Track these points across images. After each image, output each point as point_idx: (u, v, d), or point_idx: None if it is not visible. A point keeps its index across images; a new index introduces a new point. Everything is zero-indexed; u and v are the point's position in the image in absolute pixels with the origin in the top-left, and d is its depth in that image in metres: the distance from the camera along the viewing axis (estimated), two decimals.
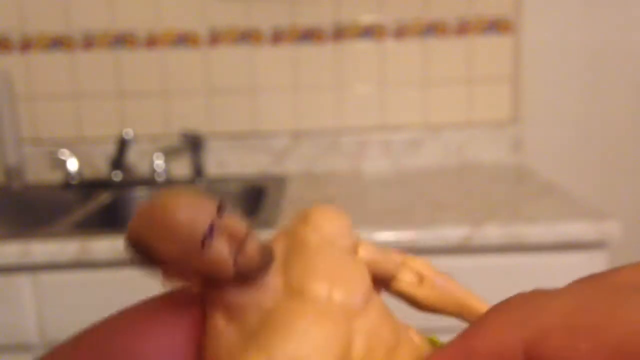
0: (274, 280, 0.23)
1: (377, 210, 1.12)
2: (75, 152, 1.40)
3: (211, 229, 0.21)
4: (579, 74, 1.44)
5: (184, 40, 1.41)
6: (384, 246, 0.26)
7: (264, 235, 1.01)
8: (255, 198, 1.33)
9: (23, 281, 1.02)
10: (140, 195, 1.36)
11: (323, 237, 0.24)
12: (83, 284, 1.01)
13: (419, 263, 0.26)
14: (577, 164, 1.47)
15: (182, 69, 1.42)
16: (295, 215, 0.26)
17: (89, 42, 1.41)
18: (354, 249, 0.25)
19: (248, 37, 1.41)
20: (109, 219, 1.28)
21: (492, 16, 1.41)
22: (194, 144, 1.38)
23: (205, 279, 0.22)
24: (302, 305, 0.22)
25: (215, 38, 1.41)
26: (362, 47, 1.42)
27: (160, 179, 1.38)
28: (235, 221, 0.22)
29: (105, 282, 1.01)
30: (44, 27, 1.40)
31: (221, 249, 0.21)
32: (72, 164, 1.37)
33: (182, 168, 1.43)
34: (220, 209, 0.22)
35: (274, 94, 1.44)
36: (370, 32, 1.42)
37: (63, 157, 1.38)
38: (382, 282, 0.26)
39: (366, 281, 0.24)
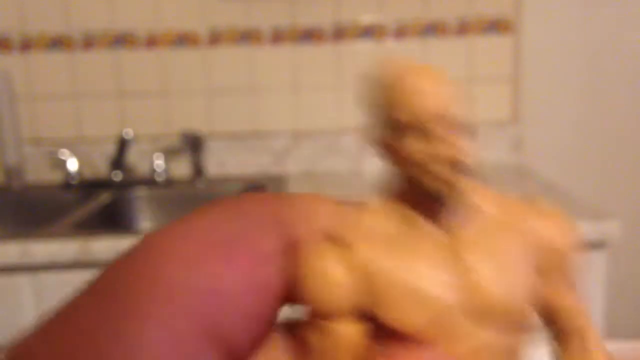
0: (446, 222, 0.20)
1: None
2: (75, 152, 1.40)
3: (433, 122, 0.19)
4: (579, 74, 1.44)
5: (184, 40, 1.41)
6: None
7: None
8: None
9: (23, 281, 1.02)
10: (140, 195, 1.36)
11: (538, 240, 0.21)
12: (83, 284, 1.01)
13: (600, 352, 0.21)
14: (577, 164, 1.47)
15: (182, 69, 1.42)
16: (538, 201, 0.22)
17: (89, 42, 1.41)
18: (552, 277, 0.21)
19: (248, 37, 1.41)
20: (109, 219, 1.28)
21: (492, 16, 1.41)
22: (194, 144, 1.38)
23: (391, 158, 0.20)
24: (437, 250, 0.20)
25: (215, 38, 1.41)
26: (362, 47, 1.42)
27: (160, 179, 1.38)
28: (463, 144, 0.19)
29: None
30: (44, 27, 1.40)
31: (427, 152, 0.19)
32: (72, 164, 1.37)
33: (182, 168, 1.43)
34: (462, 125, 0.20)
35: (274, 94, 1.44)
36: (370, 32, 1.42)
37: (63, 157, 1.38)
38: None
39: (526, 312, 0.20)
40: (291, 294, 0.19)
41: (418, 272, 0.19)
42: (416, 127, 0.19)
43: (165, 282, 0.17)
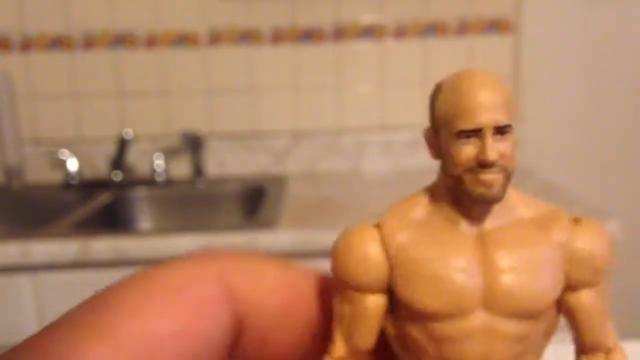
0: (479, 221, 0.21)
1: (377, 210, 1.11)
2: (75, 152, 1.40)
3: (476, 132, 0.20)
4: (579, 73, 1.44)
5: (184, 40, 1.41)
6: None
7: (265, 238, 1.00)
8: (255, 198, 1.33)
9: (23, 281, 1.02)
10: (140, 195, 1.36)
11: (572, 253, 0.21)
12: (83, 284, 1.01)
13: None
14: (577, 164, 1.47)
15: (182, 69, 1.42)
16: (581, 216, 0.22)
17: (89, 42, 1.41)
18: (582, 283, 0.21)
19: (248, 37, 1.41)
20: (109, 219, 1.28)
21: (492, 16, 1.41)
22: (194, 144, 1.38)
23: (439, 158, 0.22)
24: (466, 243, 0.21)
25: (215, 38, 1.41)
26: (362, 47, 1.42)
27: (160, 179, 1.38)
28: (501, 149, 0.21)
29: (105, 282, 1.00)
30: (44, 27, 1.40)
31: (464, 154, 0.21)
32: (72, 164, 1.37)
33: (182, 168, 1.43)
34: (503, 131, 0.21)
35: (274, 94, 1.44)
36: (370, 32, 1.42)
37: (63, 157, 1.38)
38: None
39: (547, 314, 0.21)
40: (238, 337, 0.21)
41: (443, 261, 0.21)
42: (469, 135, 0.21)
43: (111, 328, 0.19)
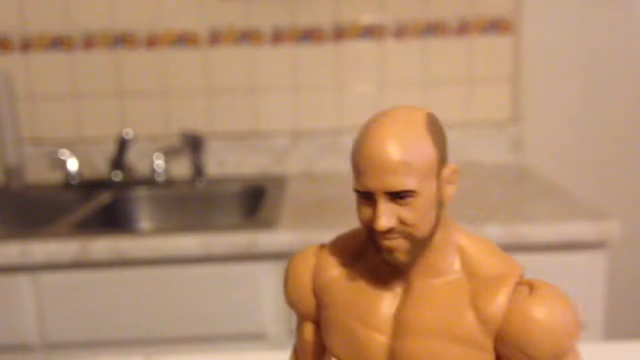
0: (402, 276, 0.21)
1: None
2: (75, 152, 1.40)
3: (378, 195, 0.19)
4: (579, 73, 1.44)
5: (184, 40, 1.41)
6: None
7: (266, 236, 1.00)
8: (255, 198, 1.33)
9: (23, 281, 1.02)
10: (140, 195, 1.36)
11: (511, 328, 0.19)
12: (83, 284, 1.01)
13: None
14: (577, 164, 1.47)
15: (182, 69, 1.42)
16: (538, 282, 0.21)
17: (89, 42, 1.41)
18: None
19: (248, 37, 1.41)
20: (109, 219, 1.28)
21: (492, 16, 1.41)
22: (194, 144, 1.38)
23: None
24: (387, 300, 0.21)
25: (215, 38, 1.41)
26: (362, 47, 1.42)
27: (160, 179, 1.38)
28: (400, 215, 0.19)
29: (105, 282, 1.01)
30: (44, 27, 1.40)
31: (363, 215, 0.20)
32: (72, 164, 1.37)
33: (182, 168, 1.43)
34: (404, 197, 0.19)
35: (274, 94, 1.44)
36: (370, 32, 1.42)
37: (63, 157, 1.38)
38: None
39: None
40: None
41: (359, 312, 0.20)
42: (366, 196, 0.20)
43: None
